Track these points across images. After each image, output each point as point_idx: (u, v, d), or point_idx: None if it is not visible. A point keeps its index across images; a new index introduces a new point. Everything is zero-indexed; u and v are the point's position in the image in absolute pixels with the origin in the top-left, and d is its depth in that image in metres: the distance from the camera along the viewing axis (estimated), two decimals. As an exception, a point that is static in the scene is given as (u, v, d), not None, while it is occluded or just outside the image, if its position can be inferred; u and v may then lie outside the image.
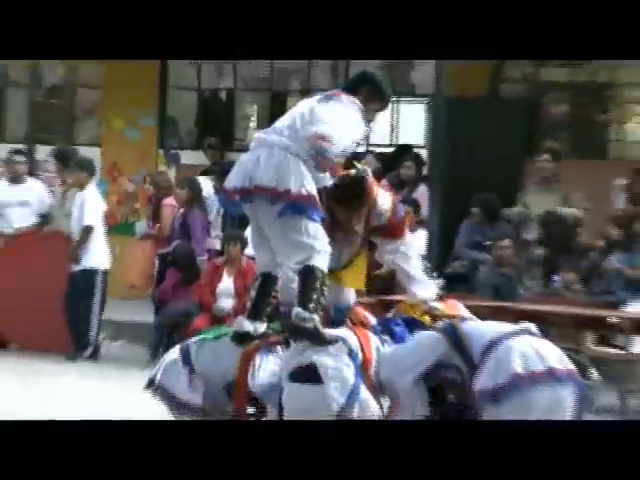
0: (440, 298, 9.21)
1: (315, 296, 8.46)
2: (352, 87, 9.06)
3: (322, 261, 8.48)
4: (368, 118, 8.98)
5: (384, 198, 9.00)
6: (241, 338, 8.77)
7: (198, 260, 16.76)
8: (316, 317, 8.37)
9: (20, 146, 18.56)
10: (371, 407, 8.36)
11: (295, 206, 8.42)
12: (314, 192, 8.43)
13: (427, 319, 8.90)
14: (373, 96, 9.09)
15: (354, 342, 8.46)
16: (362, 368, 8.40)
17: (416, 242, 9.60)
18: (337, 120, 8.62)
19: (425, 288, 9.13)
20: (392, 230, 9.03)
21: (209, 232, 17.31)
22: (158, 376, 8.95)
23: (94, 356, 16.48)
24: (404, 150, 18.89)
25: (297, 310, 8.39)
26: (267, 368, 8.62)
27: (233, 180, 8.69)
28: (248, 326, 8.77)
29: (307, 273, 8.46)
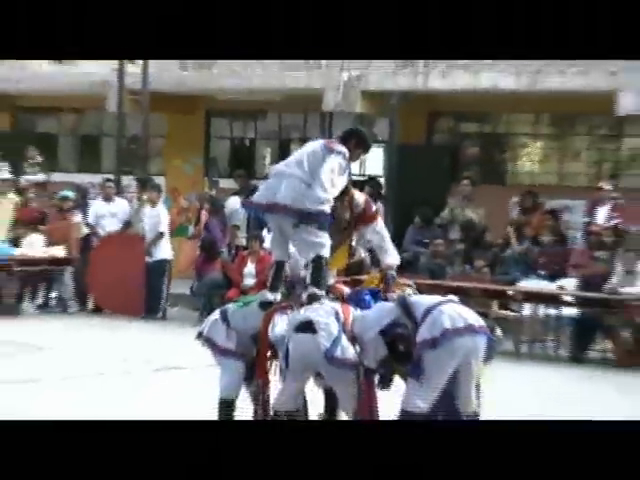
0: (393, 278, 9.09)
1: (322, 276, 8.59)
2: (344, 138, 8.88)
3: (326, 251, 8.58)
4: (354, 158, 8.96)
5: (359, 195, 9.08)
6: (265, 305, 8.80)
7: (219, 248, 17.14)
8: (324, 292, 8.54)
9: (111, 176, 18.51)
10: (349, 351, 8.34)
11: (305, 218, 8.53)
12: (318, 207, 8.49)
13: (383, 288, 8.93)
14: (358, 145, 8.95)
15: (339, 310, 8.49)
16: (343, 326, 8.42)
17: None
18: (331, 179, 8.61)
19: (393, 256, 9.14)
20: (369, 217, 9.07)
21: (225, 233, 17.52)
22: (205, 330, 8.94)
23: (163, 317, 16.47)
24: (368, 179, 18.89)
25: (312, 289, 8.54)
26: (280, 325, 8.61)
27: (261, 197, 8.70)
28: (270, 296, 8.80)
29: (317, 261, 8.56)
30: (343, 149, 8.75)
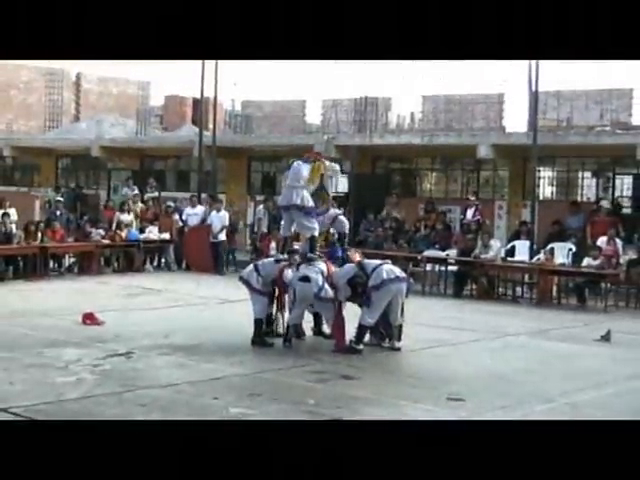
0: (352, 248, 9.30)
1: (315, 247, 8.59)
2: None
3: (316, 232, 8.61)
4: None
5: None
6: (278, 260, 8.70)
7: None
8: (316, 255, 8.56)
9: (195, 193, 18.07)
10: (329, 292, 8.26)
11: (307, 212, 8.51)
12: (313, 204, 8.58)
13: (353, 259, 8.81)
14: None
15: (325, 269, 8.39)
16: (327, 278, 8.32)
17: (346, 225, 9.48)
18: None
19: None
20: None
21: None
22: (244, 275, 8.75)
23: (223, 274, 15.74)
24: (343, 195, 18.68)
25: (310, 254, 8.49)
26: (289, 273, 8.45)
27: (283, 201, 8.79)
28: (280, 256, 8.78)
29: (312, 239, 8.59)
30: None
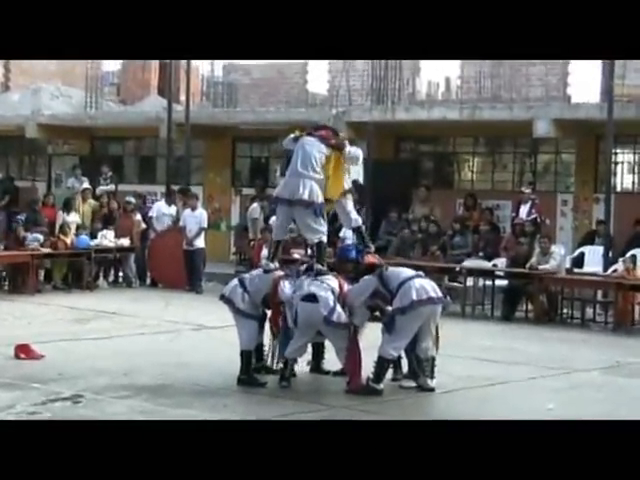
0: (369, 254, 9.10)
1: (324, 256, 8.76)
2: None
3: (325, 238, 8.74)
4: None
5: None
6: (267, 271, 8.79)
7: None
8: (325, 267, 8.63)
9: (162, 187, 18.26)
10: (342, 316, 8.31)
11: (316, 209, 8.56)
12: (323, 201, 8.62)
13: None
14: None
15: (336, 286, 8.44)
16: (339, 298, 8.38)
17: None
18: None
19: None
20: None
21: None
22: (227, 293, 8.83)
23: (201, 291, 15.91)
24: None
25: (318, 266, 8.58)
26: (287, 288, 8.55)
27: (284, 192, 8.74)
28: (271, 265, 8.83)
29: (320, 246, 8.72)
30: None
